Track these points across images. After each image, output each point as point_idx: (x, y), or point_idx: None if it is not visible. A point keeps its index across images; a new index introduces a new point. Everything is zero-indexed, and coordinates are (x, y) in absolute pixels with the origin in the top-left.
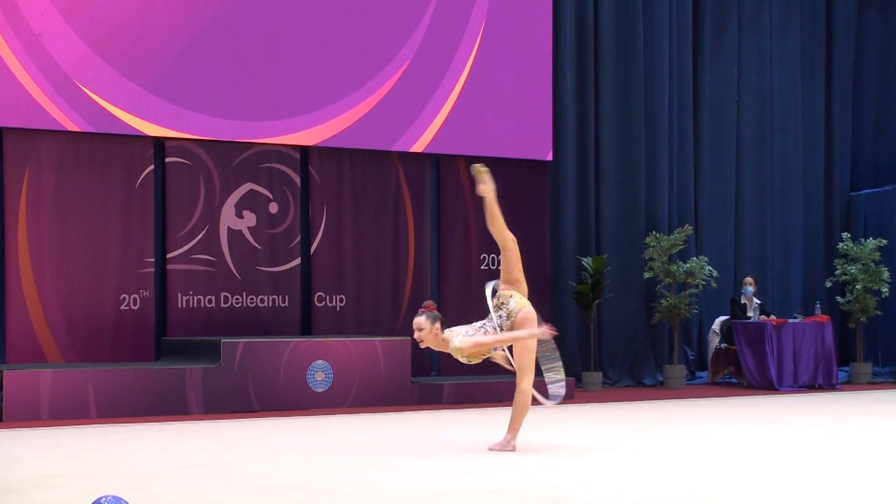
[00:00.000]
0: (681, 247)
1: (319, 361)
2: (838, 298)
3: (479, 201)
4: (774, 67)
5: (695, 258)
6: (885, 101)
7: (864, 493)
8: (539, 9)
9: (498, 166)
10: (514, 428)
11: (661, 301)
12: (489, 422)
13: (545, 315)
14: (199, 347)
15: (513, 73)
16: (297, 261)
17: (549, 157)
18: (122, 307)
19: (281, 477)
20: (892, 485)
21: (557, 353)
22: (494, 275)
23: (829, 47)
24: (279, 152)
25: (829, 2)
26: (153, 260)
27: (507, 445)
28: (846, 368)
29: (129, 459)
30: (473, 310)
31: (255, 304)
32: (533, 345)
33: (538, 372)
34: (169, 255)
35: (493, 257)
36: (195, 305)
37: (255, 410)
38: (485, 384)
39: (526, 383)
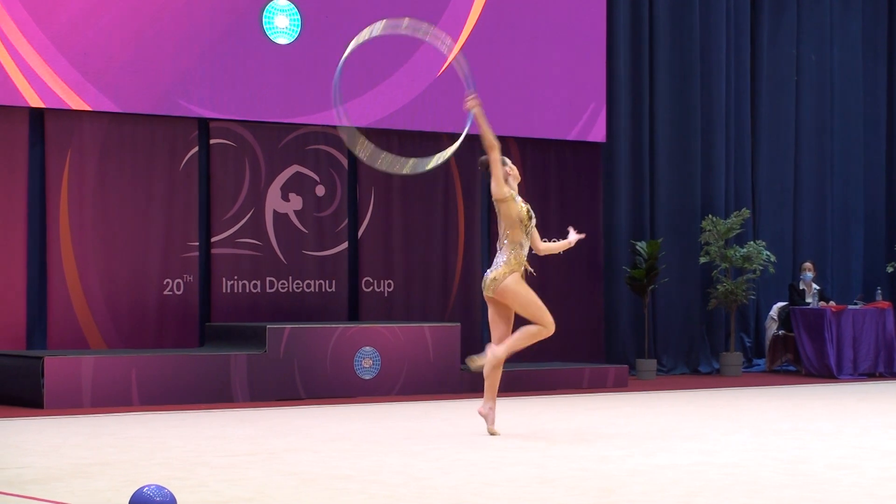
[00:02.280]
0: (738, 231)
1: (367, 348)
2: None
3: (530, 184)
4: (835, 46)
5: (752, 242)
6: None
7: None
8: None
9: (551, 148)
10: (512, 347)
11: (718, 286)
12: (539, 410)
13: (598, 301)
14: (243, 333)
15: (565, 53)
16: (345, 245)
17: (603, 139)
18: (166, 292)
19: (327, 466)
20: None
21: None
22: (547, 259)
23: (892, 24)
24: (326, 134)
25: None
26: (197, 244)
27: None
28: None
29: (171, 448)
30: None
31: (301, 290)
32: (528, 295)
33: None
34: (213, 240)
35: (544, 241)
36: (240, 290)
37: (300, 398)
38: (536, 371)
39: (546, 322)
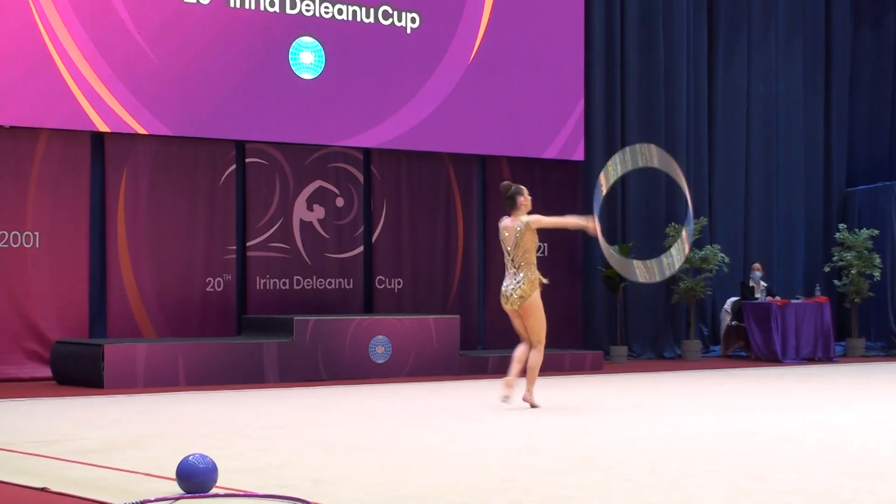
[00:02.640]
0: (697, 236)
1: (380, 336)
2: (835, 282)
3: None
4: (780, 79)
5: (709, 246)
6: (877, 108)
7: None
8: (571, 26)
9: (536, 166)
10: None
11: (680, 284)
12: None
13: (577, 295)
14: (275, 324)
15: (549, 83)
16: (361, 248)
17: (582, 158)
18: (208, 289)
19: (346, 437)
20: (883, 438)
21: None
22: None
23: (828, 60)
24: (345, 153)
25: (828, 19)
26: (235, 248)
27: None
28: (842, 343)
29: (213, 422)
30: None
31: (323, 287)
32: (542, 315)
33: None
34: (249, 244)
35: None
36: (272, 287)
37: (323, 380)
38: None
39: (542, 343)
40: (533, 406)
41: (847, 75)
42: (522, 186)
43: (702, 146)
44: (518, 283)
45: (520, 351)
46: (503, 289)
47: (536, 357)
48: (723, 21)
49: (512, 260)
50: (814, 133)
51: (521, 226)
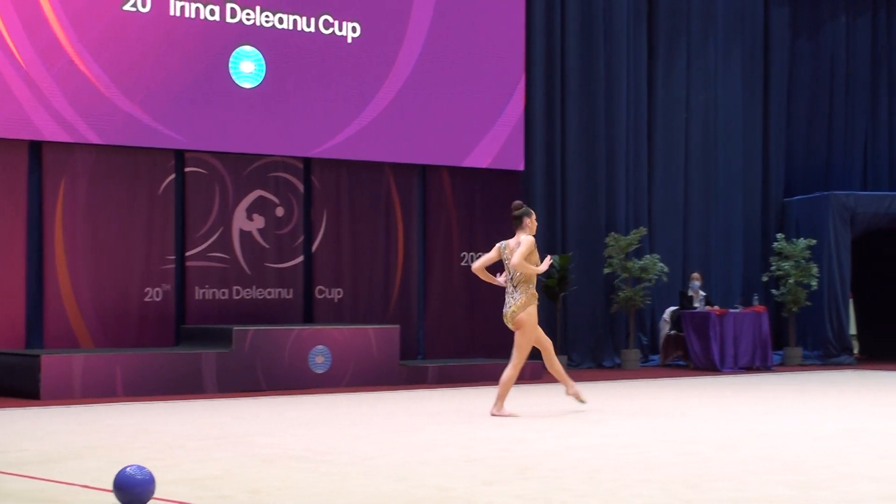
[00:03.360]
0: (636, 246)
1: (319, 346)
2: (773, 291)
3: (460, 206)
4: (719, 88)
5: (648, 256)
6: (814, 117)
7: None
8: (512, 37)
9: (477, 176)
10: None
11: (619, 293)
12: (467, 399)
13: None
14: (213, 334)
15: (490, 94)
16: (300, 258)
17: (521, 168)
18: (147, 299)
19: (285, 448)
20: (817, 446)
21: None
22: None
23: (767, 70)
24: (285, 163)
25: (767, 29)
26: (174, 257)
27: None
28: (780, 352)
29: (151, 433)
30: (456, 302)
31: (263, 297)
32: (532, 335)
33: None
34: (188, 253)
35: (472, 255)
36: (211, 297)
37: (262, 390)
38: (465, 366)
39: (522, 364)
40: (499, 416)
41: (785, 85)
42: (531, 210)
43: (641, 155)
44: (514, 300)
45: (549, 363)
46: (503, 311)
47: (511, 373)
48: (662, 30)
49: (511, 279)
50: (752, 143)
51: (525, 245)
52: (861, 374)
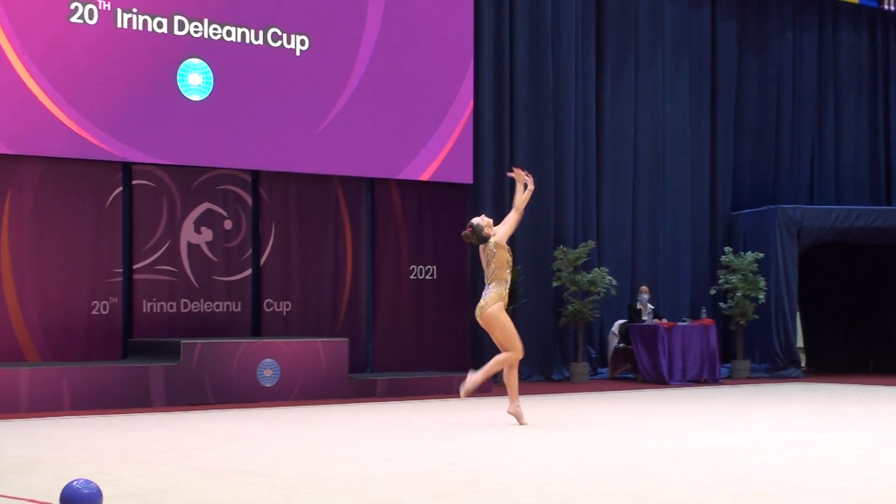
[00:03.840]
0: (584, 259)
1: (268, 360)
2: (721, 304)
3: (409, 219)
4: (667, 102)
5: (597, 269)
6: (762, 132)
7: (741, 468)
8: (460, 49)
9: (425, 189)
10: (488, 372)
11: (568, 306)
12: (415, 413)
13: (466, 318)
14: (161, 348)
15: (438, 107)
16: (249, 271)
17: (471, 181)
18: (94, 312)
19: (232, 462)
20: (766, 459)
21: None
22: (423, 284)
23: (714, 84)
24: (233, 176)
25: (714, 44)
26: (121, 270)
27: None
28: (728, 365)
29: (97, 447)
30: (405, 315)
31: (211, 310)
32: (507, 324)
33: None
34: (135, 266)
35: (420, 269)
36: (158, 310)
37: (210, 403)
38: (414, 380)
39: (518, 348)
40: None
41: (733, 99)
42: (476, 222)
43: (590, 169)
44: (484, 297)
45: (505, 375)
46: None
47: (503, 357)
48: (610, 45)
49: (486, 277)
50: (700, 157)
51: (491, 244)
52: (808, 386)
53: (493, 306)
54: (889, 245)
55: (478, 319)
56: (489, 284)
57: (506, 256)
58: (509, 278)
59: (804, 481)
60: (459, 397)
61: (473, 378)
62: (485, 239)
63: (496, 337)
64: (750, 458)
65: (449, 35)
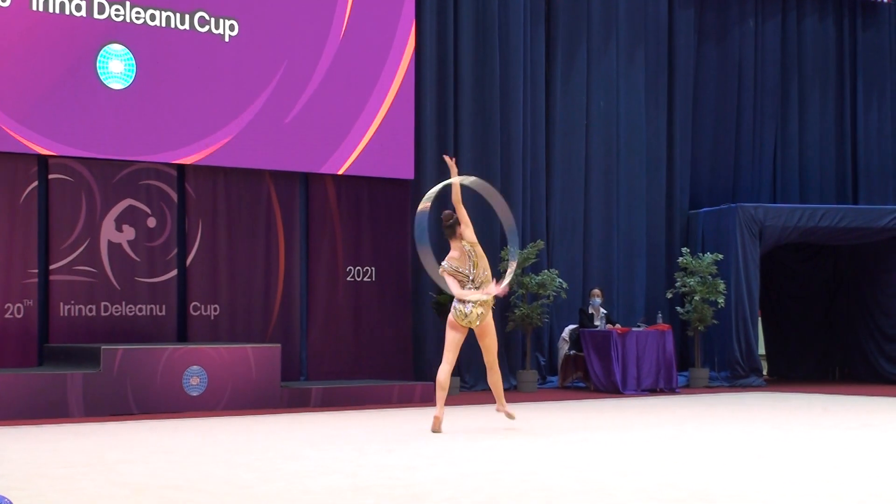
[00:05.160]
0: (533, 260)
1: (194, 367)
2: (678, 309)
3: (346, 217)
4: (621, 94)
5: (546, 271)
6: (721, 126)
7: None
8: (401, 39)
9: (364, 185)
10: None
11: (515, 310)
12: (353, 423)
13: (407, 323)
14: (80, 354)
15: (379, 101)
16: (174, 272)
17: (412, 177)
18: (7, 315)
19: (157, 476)
20: (725, 473)
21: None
22: (360, 286)
23: (671, 76)
24: (157, 170)
25: (671, 33)
26: (37, 271)
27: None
28: (685, 373)
29: (11, 460)
30: (341, 319)
31: (133, 313)
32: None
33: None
34: (52, 267)
35: (358, 270)
36: (77, 314)
37: (133, 413)
38: (350, 388)
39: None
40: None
41: (691, 91)
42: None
43: (539, 165)
44: (473, 302)
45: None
46: (466, 311)
47: (497, 375)
48: (561, 34)
49: (472, 280)
50: (656, 152)
51: (468, 247)
52: (770, 396)
53: (490, 314)
54: (856, 246)
55: (462, 322)
56: (479, 287)
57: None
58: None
59: (767, 496)
60: (434, 431)
61: (499, 408)
62: (453, 232)
63: (486, 343)
64: (709, 472)
65: (389, 24)
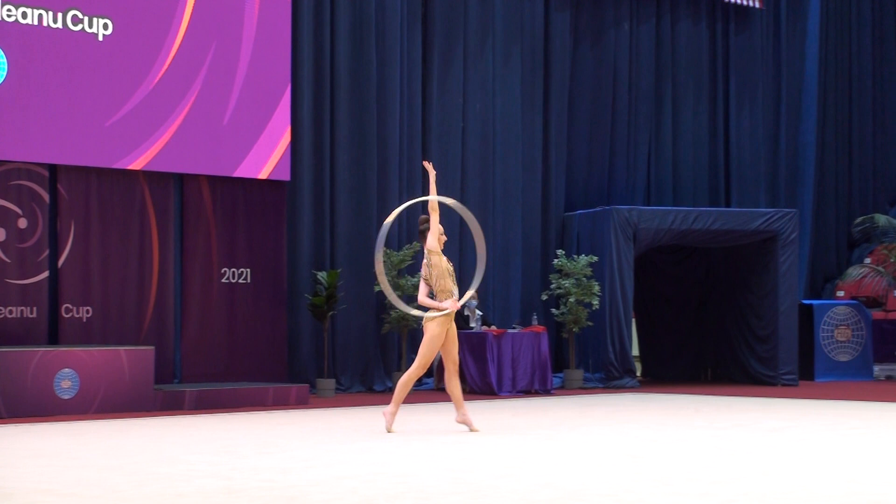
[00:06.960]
0: (409, 262)
1: (66, 370)
2: (553, 310)
3: (221, 219)
4: (497, 96)
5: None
6: (596, 129)
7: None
8: (278, 40)
9: (239, 186)
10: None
11: (391, 312)
12: (227, 426)
13: (282, 325)
14: None
15: (255, 102)
16: (46, 274)
17: (288, 178)
18: None
19: (26, 481)
20: (599, 474)
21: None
22: (235, 288)
23: (547, 78)
24: (28, 170)
25: (547, 35)
26: None
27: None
28: (560, 375)
29: None
30: (215, 321)
31: (3, 315)
32: (432, 343)
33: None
34: None
35: (233, 271)
36: None
37: (2, 417)
38: (224, 390)
39: (423, 366)
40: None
41: (566, 94)
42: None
43: (415, 166)
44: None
45: (446, 383)
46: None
47: (403, 381)
48: (438, 33)
49: (433, 291)
50: (532, 153)
51: (425, 257)
52: (644, 396)
53: (433, 322)
54: (728, 248)
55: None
56: (435, 298)
57: (444, 264)
58: (455, 289)
59: (640, 496)
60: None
61: (389, 410)
62: (424, 233)
63: (448, 347)
64: (584, 472)
65: (265, 23)
